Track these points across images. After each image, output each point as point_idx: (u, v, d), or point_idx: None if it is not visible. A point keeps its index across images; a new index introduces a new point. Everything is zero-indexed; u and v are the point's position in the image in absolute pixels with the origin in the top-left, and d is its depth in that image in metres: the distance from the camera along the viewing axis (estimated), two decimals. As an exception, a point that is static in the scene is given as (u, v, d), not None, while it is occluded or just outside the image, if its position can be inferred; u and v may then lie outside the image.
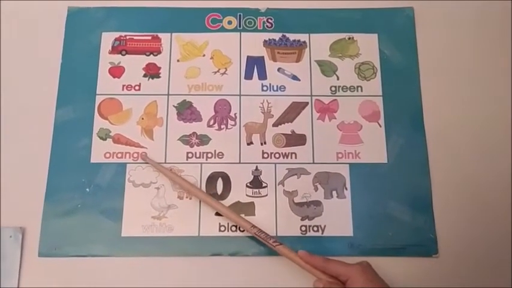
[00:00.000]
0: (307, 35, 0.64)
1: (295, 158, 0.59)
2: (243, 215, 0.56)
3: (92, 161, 0.59)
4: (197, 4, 0.65)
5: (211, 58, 0.63)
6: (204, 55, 0.64)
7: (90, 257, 0.55)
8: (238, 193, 0.58)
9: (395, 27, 0.65)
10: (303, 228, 0.57)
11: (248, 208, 0.57)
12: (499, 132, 0.61)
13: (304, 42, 0.64)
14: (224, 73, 0.63)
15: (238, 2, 0.65)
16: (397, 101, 0.62)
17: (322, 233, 0.57)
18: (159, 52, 0.64)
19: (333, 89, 0.62)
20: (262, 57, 0.63)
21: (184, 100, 0.62)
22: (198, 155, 0.59)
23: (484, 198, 0.58)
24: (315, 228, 0.57)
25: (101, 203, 0.57)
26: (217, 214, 0.57)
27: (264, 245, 0.54)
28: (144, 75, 0.63)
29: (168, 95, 0.62)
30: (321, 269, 0.51)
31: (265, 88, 0.62)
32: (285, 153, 0.60)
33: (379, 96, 0.62)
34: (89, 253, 0.55)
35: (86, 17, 0.65)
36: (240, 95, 0.62)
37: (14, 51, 0.64)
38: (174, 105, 0.61)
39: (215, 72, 0.63)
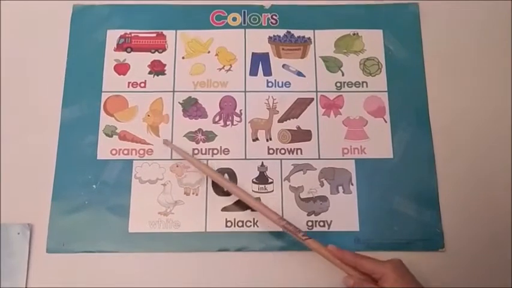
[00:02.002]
0: (312, 31, 0.64)
1: (301, 153, 0.60)
2: (249, 211, 0.56)
3: (99, 157, 0.59)
4: (202, 1, 0.65)
5: (216, 55, 0.63)
6: (209, 52, 0.64)
7: (98, 253, 0.56)
8: (245, 189, 0.58)
9: (400, 23, 0.65)
10: (310, 224, 0.57)
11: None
12: (505, 127, 0.61)
13: (309, 38, 0.64)
14: (229, 70, 0.63)
15: (243, -1, 0.66)
16: (402, 97, 0.62)
17: (328, 228, 0.57)
18: (164, 49, 0.64)
19: (338, 84, 0.62)
20: (267, 53, 0.64)
21: (190, 97, 0.62)
22: (204, 152, 0.60)
23: (490, 193, 0.58)
24: (321, 224, 0.57)
25: (107, 200, 0.57)
26: (224, 209, 0.57)
27: (271, 240, 0.55)
28: (150, 72, 0.63)
29: (174, 91, 0.62)
30: (352, 265, 0.50)
31: (270, 84, 0.62)
32: (291, 149, 0.60)
33: (385, 91, 0.62)
34: (96, 249, 0.56)
35: (90, 15, 0.65)
36: (245, 92, 0.62)
37: (19, 50, 0.64)
38: (179, 102, 0.62)
39: (220, 69, 0.63)
